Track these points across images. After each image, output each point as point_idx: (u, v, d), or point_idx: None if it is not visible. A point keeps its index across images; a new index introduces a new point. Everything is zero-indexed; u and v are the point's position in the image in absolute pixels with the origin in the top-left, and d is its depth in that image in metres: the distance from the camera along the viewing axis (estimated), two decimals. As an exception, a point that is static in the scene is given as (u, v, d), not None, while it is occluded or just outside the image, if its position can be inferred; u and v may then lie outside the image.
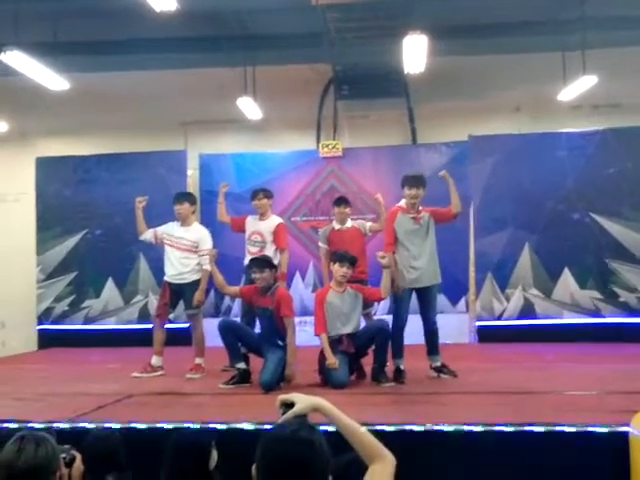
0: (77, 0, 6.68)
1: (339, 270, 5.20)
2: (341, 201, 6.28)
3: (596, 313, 7.93)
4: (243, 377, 5.19)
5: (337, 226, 6.17)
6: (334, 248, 5.80)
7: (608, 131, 8.22)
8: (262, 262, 5.29)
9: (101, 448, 2.87)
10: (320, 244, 6.21)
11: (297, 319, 8.37)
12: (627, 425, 3.02)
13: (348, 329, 5.14)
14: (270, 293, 5.21)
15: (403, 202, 5.72)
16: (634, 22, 7.12)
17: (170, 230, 6.18)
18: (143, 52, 7.82)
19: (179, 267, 6.04)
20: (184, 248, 6.06)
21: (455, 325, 8.10)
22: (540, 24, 7.29)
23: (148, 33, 7.24)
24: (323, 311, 5.16)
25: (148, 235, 6.28)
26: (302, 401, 1.87)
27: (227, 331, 5.23)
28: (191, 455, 2.69)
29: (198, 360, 5.96)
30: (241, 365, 5.22)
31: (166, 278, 6.14)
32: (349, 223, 6.20)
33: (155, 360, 5.99)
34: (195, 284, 5.97)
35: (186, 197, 6.36)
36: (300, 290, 8.24)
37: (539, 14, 7.16)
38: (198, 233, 6.13)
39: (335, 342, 5.10)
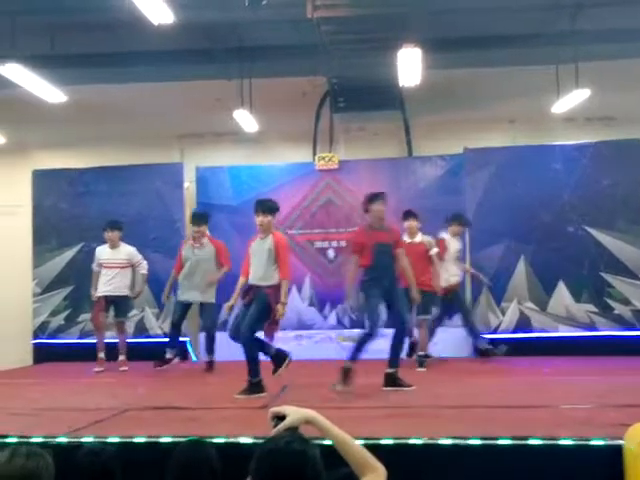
0: (74, 13, 6.71)
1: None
2: (409, 215, 6.85)
3: (591, 326, 7.94)
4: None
5: (408, 239, 6.71)
6: None
7: (601, 144, 8.29)
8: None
9: (95, 463, 2.86)
10: None
11: (294, 333, 8.48)
12: (621, 439, 3.02)
13: None
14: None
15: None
16: (626, 35, 7.18)
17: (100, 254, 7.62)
18: (140, 65, 7.86)
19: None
20: (118, 266, 7.50)
21: (452, 339, 8.11)
22: (533, 37, 7.35)
23: (145, 46, 7.27)
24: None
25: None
26: (294, 414, 1.88)
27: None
28: (199, 468, 2.71)
29: (123, 357, 7.54)
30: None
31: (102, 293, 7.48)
32: (419, 237, 6.91)
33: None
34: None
35: (117, 225, 7.62)
36: (297, 304, 8.23)
37: (533, 27, 7.21)
38: (128, 251, 7.60)
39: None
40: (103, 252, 7.63)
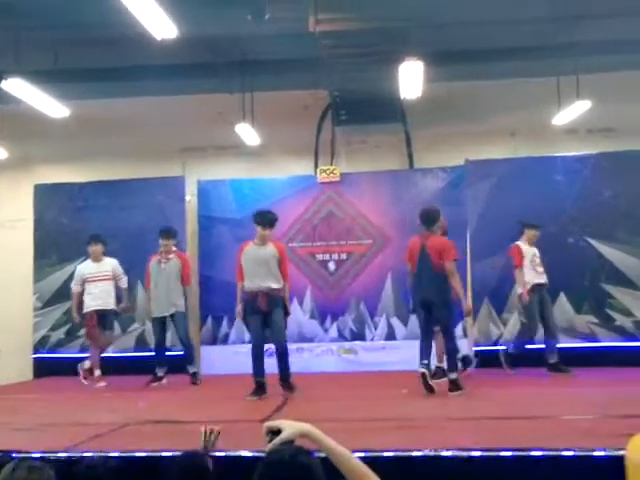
0: (78, 28, 6.77)
1: None
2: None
3: (592, 337, 7.90)
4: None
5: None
6: None
7: (602, 155, 8.30)
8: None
9: (95, 477, 2.85)
10: None
11: (295, 345, 8.46)
12: (623, 449, 2.99)
13: None
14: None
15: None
16: (626, 46, 7.22)
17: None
18: (143, 79, 7.92)
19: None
20: (104, 279, 7.61)
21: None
22: (534, 50, 7.41)
23: (148, 60, 7.33)
24: None
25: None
26: (289, 427, 1.87)
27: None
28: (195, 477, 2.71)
29: (99, 372, 7.54)
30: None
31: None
32: None
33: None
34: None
35: (101, 239, 7.79)
36: (298, 316, 8.22)
37: (533, 40, 7.27)
38: (112, 263, 7.74)
39: None
40: (87, 267, 7.71)
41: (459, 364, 6.42)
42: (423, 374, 5.79)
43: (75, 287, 7.67)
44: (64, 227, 8.91)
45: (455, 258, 6.08)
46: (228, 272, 8.50)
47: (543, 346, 7.31)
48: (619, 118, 8.39)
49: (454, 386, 5.83)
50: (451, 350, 6.01)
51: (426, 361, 5.89)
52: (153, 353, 7.61)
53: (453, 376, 5.89)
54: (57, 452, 3.59)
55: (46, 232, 8.93)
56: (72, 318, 7.89)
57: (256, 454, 3.25)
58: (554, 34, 7.09)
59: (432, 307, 5.98)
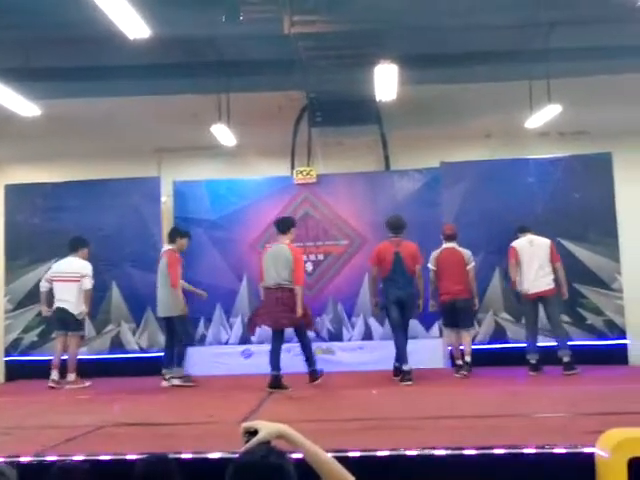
0: (49, 26, 6.66)
1: None
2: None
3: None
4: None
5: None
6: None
7: (573, 158, 8.46)
8: None
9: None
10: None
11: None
12: (594, 446, 3.06)
13: None
14: None
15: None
16: (597, 53, 7.35)
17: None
18: (116, 78, 7.82)
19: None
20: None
21: (428, 350, 8.14)
22: (507, 54, 7.49)
23: (121, 60, 7.24)
24: None
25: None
26: (265, 428, 1.88)
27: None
28: None
29: (73, 376, 7.57)
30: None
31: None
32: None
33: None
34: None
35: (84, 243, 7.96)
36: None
37: (506, 44, 7.36)
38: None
39: None
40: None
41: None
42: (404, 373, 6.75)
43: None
44: (36, 228, 8.76)
45: (422, 262, 7.19)
46: (204, 273, 8.50)
47: (523, 345, 7.55)
48: (590, 121, 8.54)
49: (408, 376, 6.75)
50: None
51: (407, 367, 6.81)
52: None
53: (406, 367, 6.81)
54: (26, 456, 3.54)
55: (17, 233, 8.79)
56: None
57: (228, 456, 3.24)
58: (527, 39, 7.19)
59: (405, 306, 6.97)
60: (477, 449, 3.25)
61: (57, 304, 7.71)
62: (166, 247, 7.61)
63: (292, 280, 6.61)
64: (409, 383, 6.67)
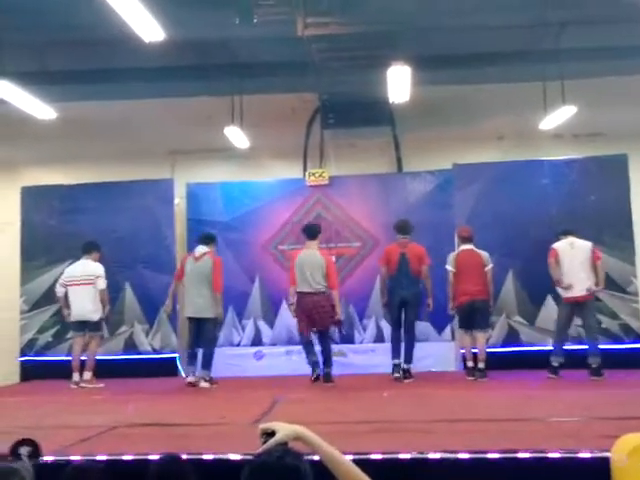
0: (65, 30, 6.74)
1: None
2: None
3: (579, 340, 7.95)
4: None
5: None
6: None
7: (588, 159, 8.39)
8: None
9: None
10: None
11: (284, 348, 8.46)
12: (609, 451, 3.03)
13: None
14: None
15: None
16: (611, 52, 7.32)
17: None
18: (131, 81, 7.89)
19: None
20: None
21: (441, 353, 8.12)
22: (520, 55, 7.48)
23: (136, 62, 7.31)
24: None
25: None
26: (283, 429, 1.88)
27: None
28: None
29: (90, 374, 7.62)
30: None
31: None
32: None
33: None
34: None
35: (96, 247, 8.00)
36: (288, 319, 8.21)
37: (520, 45, 7.34)
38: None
39: None
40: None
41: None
42: (397, 378, 7.13)
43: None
44: (52, 229, 8.83)
45: (429, 263, 7.32)
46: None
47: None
48: (604, 123, 8.48)
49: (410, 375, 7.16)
50: (414, 344, 7.31)
51: (397, 360, 7.23)
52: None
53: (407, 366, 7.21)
54: (43, 455, 3.56)
55: (34, 235, 8.86)
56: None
57: (245, 457, 3.25)
58: (540, 40, 7.17)
59: (408, 305, 7.23)
60: (500, 453, 3.23)
61: (75, 317, 7.70)
62: (203, 249, 7.44)
63: (326, 284, 7.08)
64: (397, 375, 7.14)
